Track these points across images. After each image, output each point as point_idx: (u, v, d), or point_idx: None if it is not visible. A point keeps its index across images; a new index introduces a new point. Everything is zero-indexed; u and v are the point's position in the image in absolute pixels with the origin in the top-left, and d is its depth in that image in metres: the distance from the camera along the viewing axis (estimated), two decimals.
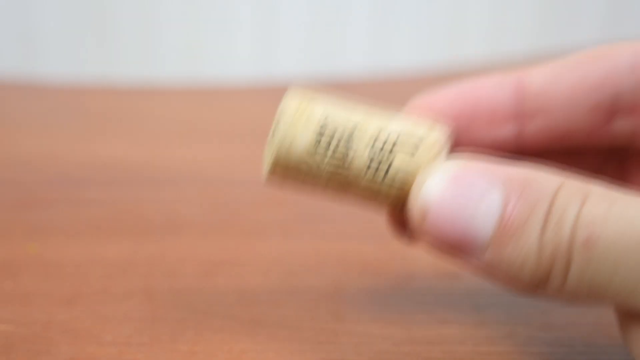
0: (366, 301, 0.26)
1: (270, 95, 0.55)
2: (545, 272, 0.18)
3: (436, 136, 0.21)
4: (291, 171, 0.20)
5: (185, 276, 0.27)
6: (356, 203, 0.21)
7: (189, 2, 0.62)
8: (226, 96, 0.50)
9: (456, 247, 0.19)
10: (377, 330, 0.24)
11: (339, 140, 0.20)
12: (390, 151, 0.20)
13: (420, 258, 0.29)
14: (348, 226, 0.32)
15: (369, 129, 0.20)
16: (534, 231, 0.18)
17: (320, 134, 0.20)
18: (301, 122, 0.20)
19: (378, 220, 0.31)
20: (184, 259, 0.29)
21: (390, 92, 0.55)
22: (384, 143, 0.20)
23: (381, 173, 0.20)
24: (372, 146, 0.20)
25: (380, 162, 0.20)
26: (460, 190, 0.19)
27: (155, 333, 0.24)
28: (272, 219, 0.32)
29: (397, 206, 0.21)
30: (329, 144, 0.20)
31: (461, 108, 0.22)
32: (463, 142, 0.22)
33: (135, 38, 0.62)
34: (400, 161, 0.20)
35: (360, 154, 0.20)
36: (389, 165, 0.20)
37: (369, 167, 0.20)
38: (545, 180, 0.18)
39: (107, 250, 0.29)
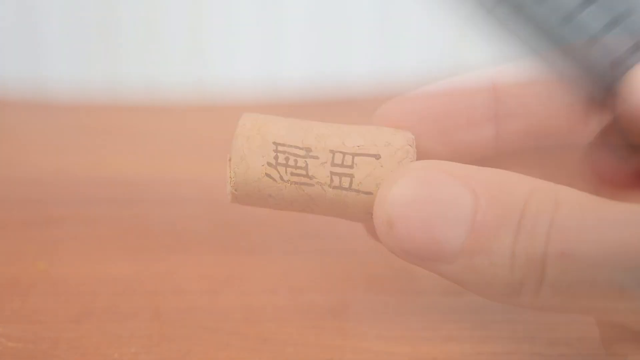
0: (371, 318, 0.26)
1: (276, 111, 0.55)
2: (518, 282, 0.17)
3: (400, 142, 0.20)
4: (253, 192, 0.20)
5: (192, 294, 0.27)
6: (327, 214, 0.21)
7: (194, 11, 0.62)
8: (234, 113, 0.51)
9: (425, 255, 0.18)
10: (382, 347, 0.24)
11: (296, 161, 0.19)
12: (351, 165, 0.19)
13: (425, 274, 0.29)
14: (353, 243, 0.32)
15: (322, 152, 0.19)
16: (506, 240, 0.17)
17: (276, 156, 0.19)
18: (255, 144, 0.19)
19: None
20: (190, 276, 0.29)
21: None
22: (342, 159, 0.19)
23: (346, 182, 0.19)
24: (332, 164, 0.19)
25: (341, 175, 0.19)
26: (428, 196, 0.18)
27: (162, 350, 0.24)
28: (278, 236, 0.32)
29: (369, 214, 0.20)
30: (287, 162, 0.19)
31: (438, 109, 0.22)
32: (443, 143, 0.22)
33: (140, 48, 0.62)
34: (363, 170, 0.19)
35: (320, 173, 0.19)
36: (352, 176, 0.19)
37: (331, 179, 0.19)
38: (515, 184, 0.18)
39: (115, 268, 0.29)
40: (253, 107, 0.53)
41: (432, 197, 0.18)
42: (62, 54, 0.61)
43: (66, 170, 0.40)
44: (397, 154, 0.20)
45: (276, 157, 0.19)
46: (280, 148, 0.20)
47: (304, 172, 0.19)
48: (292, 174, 0.19)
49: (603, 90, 0.20)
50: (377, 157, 0.20)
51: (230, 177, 0.20)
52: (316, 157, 0.20)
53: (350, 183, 0.19)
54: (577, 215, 0.17)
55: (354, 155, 0.20)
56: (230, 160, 0.20)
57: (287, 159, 0.19)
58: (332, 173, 0.19)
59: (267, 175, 0.19)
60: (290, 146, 0.20)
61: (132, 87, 0.61)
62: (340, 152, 0.20)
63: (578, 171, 0.23)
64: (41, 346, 0.24)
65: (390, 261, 0.30)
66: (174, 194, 0.37)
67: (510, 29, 0.19)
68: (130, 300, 0.27)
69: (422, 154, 0.21)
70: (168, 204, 0.36)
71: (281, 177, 0.19)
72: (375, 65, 0.66)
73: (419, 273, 0.29)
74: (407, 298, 0.27)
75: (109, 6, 0.61)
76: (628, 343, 0.18)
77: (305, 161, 0.19)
